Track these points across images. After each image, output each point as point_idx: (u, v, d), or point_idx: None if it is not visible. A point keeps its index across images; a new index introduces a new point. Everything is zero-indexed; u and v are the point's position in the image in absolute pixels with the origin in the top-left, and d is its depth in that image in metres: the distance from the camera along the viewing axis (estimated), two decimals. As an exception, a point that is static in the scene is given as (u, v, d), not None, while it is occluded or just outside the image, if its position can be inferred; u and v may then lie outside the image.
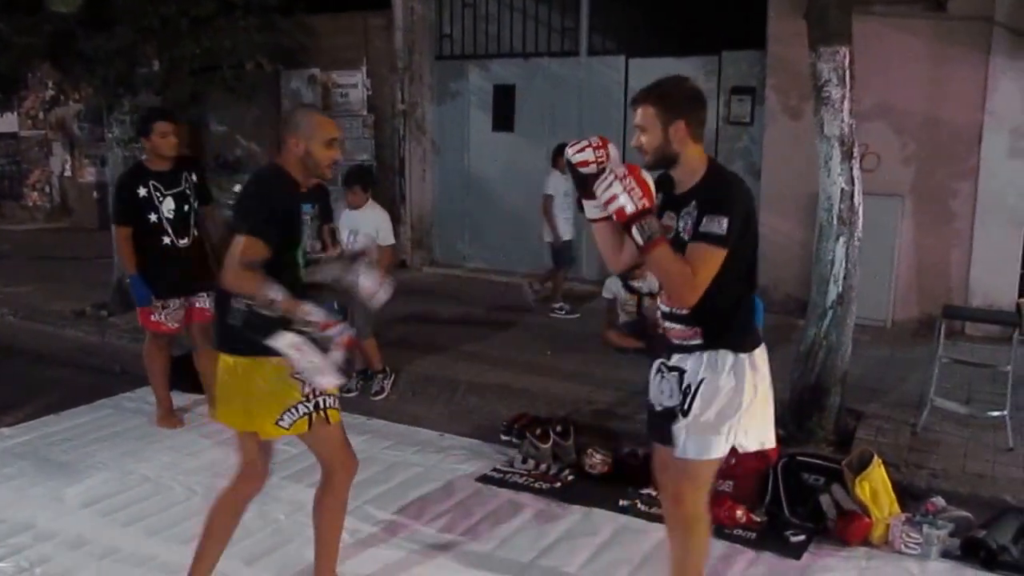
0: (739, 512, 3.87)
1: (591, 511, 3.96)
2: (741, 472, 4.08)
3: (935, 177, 6.70)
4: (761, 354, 2.71)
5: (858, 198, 4.61)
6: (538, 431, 4.57)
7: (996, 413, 4.55)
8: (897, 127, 6.71)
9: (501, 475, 4.34)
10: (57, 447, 4.66)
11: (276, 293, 2.68)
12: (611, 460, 4.39)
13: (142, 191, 4.76)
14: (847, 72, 4.53)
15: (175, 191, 4.83)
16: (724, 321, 2.65)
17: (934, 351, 4.82)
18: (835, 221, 4.62)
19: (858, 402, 4.97)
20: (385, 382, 5.74)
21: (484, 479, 4.30)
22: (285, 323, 2.69)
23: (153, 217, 4.77)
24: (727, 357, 2.65)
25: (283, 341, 2.68)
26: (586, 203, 2.71)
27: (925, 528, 3.63)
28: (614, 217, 2.49)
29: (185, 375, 5.44)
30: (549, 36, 8.78)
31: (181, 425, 5.06)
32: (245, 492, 3.10)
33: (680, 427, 2.68)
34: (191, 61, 7.55)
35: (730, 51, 7.83)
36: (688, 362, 2.70)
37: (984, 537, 3.55)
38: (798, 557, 3.60)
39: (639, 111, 2.63)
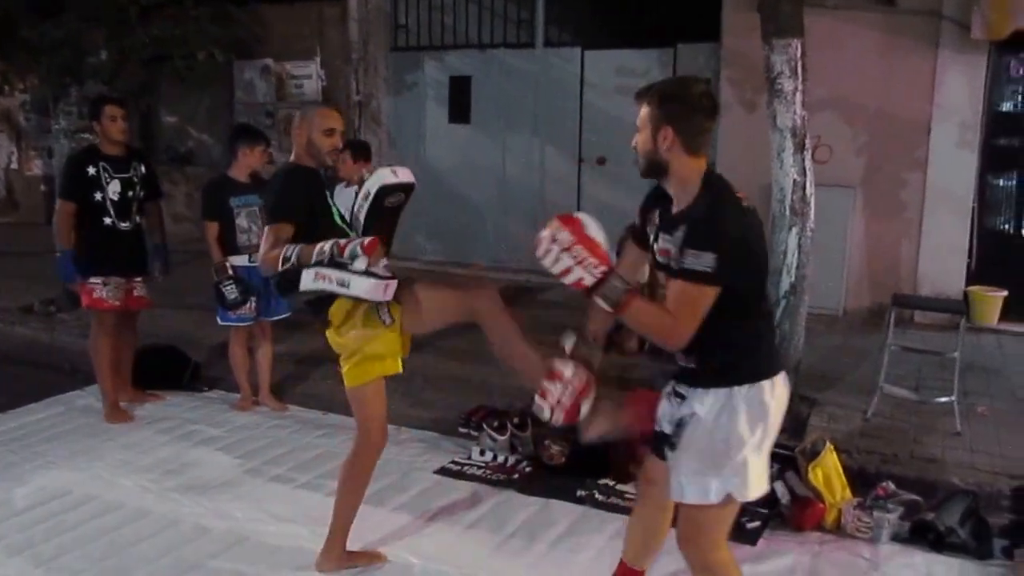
0: (695, 500, 3.91)
1: (549, 502, 3.97)
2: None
3: (886, 168, 6.82)
4: (769, 388, 2.41)
5: (810, 189, 4.67)
6: (495, 423, 4.57)
7: (944, 399, 4.64)
8: (849, 119, 6.81)
9: (459, 467, 4.34)
10: (5, 447, 4.55)
11: (289, 251, 2.97)
12: (568, 451, 4.40)
13: (91, 170, 4.80)
14: (799, 64, 4.59)
15: (123, 176, 4.88)
16: (720, 351, 2.39)
17: (884, 339, 4.91)
18: (788, 212, 4.69)
19: (811, 390, 5.05)
20: None
21: (442, 472, 4.29)
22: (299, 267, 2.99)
23: (98, 196, 4.81)
24: (719, 393, 2.40)
25: (305, 280, 2.96)
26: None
27: (876, 512, 3.71)
28: (574, 289, 2.24)
29: (143, 371, 5.39)
30: (505, 27, 8.77)
31: (130, 419, 5.00)
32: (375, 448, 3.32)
33: (671, 462, 2.51)
34: (141, 50, 7.41)
35: (685, 43, 7.88)
36: (688, 390, 2.49)
37: (933, 520, 3.63)
38: (754, 543, 3.65)
39: (640, 108, 2.41)
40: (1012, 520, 3.70)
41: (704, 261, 2.20)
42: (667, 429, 2.57)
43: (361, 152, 5.77)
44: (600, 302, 2.24)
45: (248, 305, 5.02)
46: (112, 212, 4.84)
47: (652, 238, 2.53)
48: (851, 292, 7.00)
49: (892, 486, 3.96)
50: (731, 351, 2.40)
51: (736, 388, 2.39)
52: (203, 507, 3.87)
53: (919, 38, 6.56)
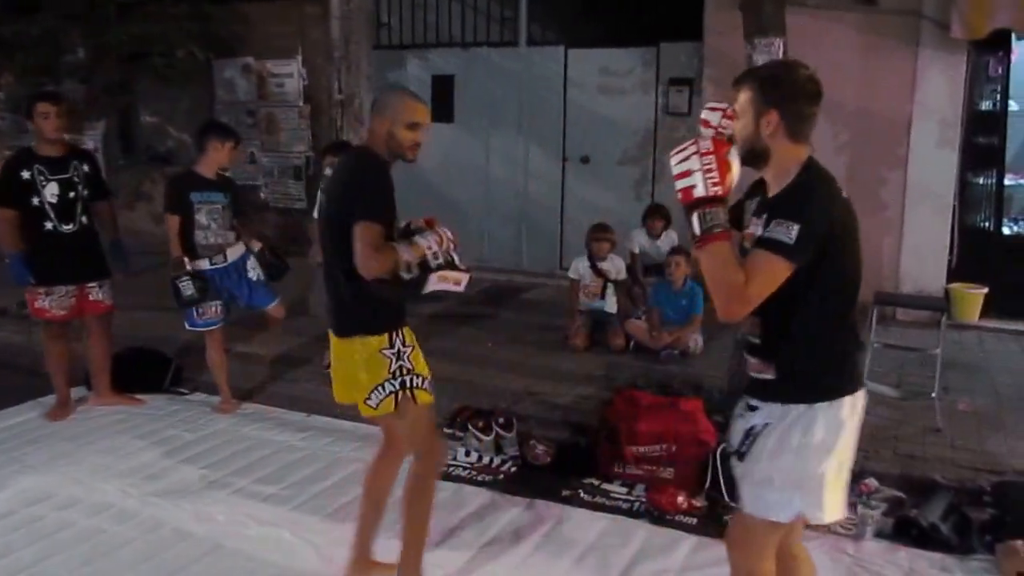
0: (680, 499, 3.92)
1: (534, 502, 3.97)
2: (682, 459, 4.14)
3: (867, 166, 6.85)
4: (849, 404, 2.26)
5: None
6: (480, 423, 4.56)
7: (926, 396, 4.67)
8: (830, 117, 6.81)
9: (444, 469, 4.32)
10: (-17, 451, 4.50)
11: (404, 253, 2.75)
12: (553, 450, 4.41)
13: (25, 174, 4.69)
14: (781, 63, 4.61)
15: (61, 177, 4.76)
16: (802, 358, 2.24)
17: (866, 336, 4.93)
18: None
19: (794, 388, 5.06)
20: None
21: (426, 472, 4.28)
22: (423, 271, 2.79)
23: (35, 200, 4.71)
24: (798, 408, 2.24)
25: (431, 284, 2.79)
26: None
27: (859, 508, 3.73)
28: (679, 196, 2.14)
29: (124, 374, 5.36)
30: (488, 26, 8.75)
31: (67, 417, 5.00)
32: (388, 467, 3.19)
33: (738, 473, 2.39)
34: (118, 48, 7.33)
35: (668, 42, 7.88)
36: (762, 403, 2.33)
37: (916, 516, 3.65)
38: (738, 542, 3.65)
39: (739, 93, 2.29)
40: (993, 515, 3.72)
41: (787, 231, 2.08)
42: (735, 442, 2.41)
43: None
44: (695, 221, 2.12)
45: (213, 308, 4.95)
46: (53, 215, 4.73)
47: (746, 225, 2.42)
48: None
49: (875, 483, 3.98)
50: (814, 361, 2.25)
51: (817, 403, 2.23)
52: (185, 511, 3.84)
53: (899, 37, 6.60)
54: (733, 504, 3.91)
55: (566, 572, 3.39)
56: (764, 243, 2.12)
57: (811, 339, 2.22)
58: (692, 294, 6.03)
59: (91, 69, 7.41)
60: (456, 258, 2.87)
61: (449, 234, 2.88)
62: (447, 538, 3.64)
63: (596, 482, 4.20)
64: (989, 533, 3.62)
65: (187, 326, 5.03)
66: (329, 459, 4.43)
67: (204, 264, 4.89)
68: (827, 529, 3.71)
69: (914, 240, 6.76)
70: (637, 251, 6.62)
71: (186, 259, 4.82)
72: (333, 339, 2.97)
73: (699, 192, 2.12)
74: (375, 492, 3.21)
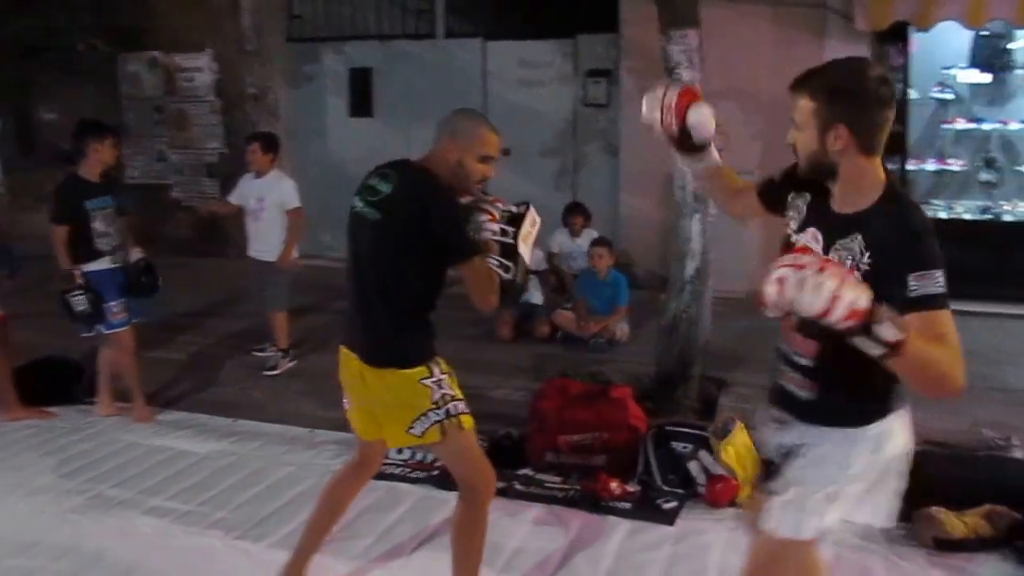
0: (614, 484, 3.98)
1: (470, 495, 3.97)
2: (613, 446, 4.20)
3: (780, 154, 6.93)
4: (890, 426, 2.12)
5: (712, 176, 4.78)
6: (412, 419, 4.53)
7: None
8: (744, 107, 6.98)
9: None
10: None
11: (491, 262, 2.68)
12: (486, 444, 4.39)
13: None
14: (696, 55, 4.69)
15: None
16: (850, 389, 2.06)
17: (788, 319, 5.06)
18: (690, 199, 4.79)
19: (719, 371, 5.18)
20: (282, 361, 5.65)
21: (360, 472, 4.23)
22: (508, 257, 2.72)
23: None
24: (834, 432, 2.11)
25: (524, 256, 2.74)
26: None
27: (787, 487, 3.83)
28: (847, 327, 1.71)
29: (31, 386, 5.14)
30: (404, 18, 8.67)
31: None
32: (356, 482, 3.07)
33: (771, 489, 2.20)
34: (15, 41, 7.01)
35: (585, 34, 7.95)
36: (797, 418, 2.19)
37: (839, 491, 3.77)
38: (672, 523, 3.73)
39: (797, 101, 2.03)
40: (908, 483, 3.87)
41: (936, 282, 1.84)
42: (773, 456, 2.26)
43: (272, 145, 5.73)
44: (884, 332, 1.70)
45: (122, 305, 4.81)
46: None
47: (795, 228, 2.17)
48: (755, 274, 7.20)
49: (800, 461, 4.10)
50: (865, 389, 2.06)
51: (858, 427, 2.09)
52: (108, 527, 3.70)
53: (806, 29, 6.79)
54: (665, 488, 4.01)
55: (506, 562, 3.40)
56: (925, 302, 1.84)
57: (865, 366, 1.86)
58: (616, 284, 6.12)
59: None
60: (511, 210, 2.77)
61: (487, 196, 2.77)
62: (384, 537, 3.60)
63: (530, 473, 4.22)
64: (906, 502, 3.77)
65: (103, 330, 4.84)
66: (259, 464, 4.34)
67: (105, 263, 4.75)
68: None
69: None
70: (556, 251, 6.68)
71: (76, 272, 4.65)
72: (356, 364, 2.75)
73: (864, 303, 1.69)
74: (333, 505, 3.07)
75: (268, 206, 5.62)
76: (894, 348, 1.72)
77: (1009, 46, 6.98)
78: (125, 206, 4.94)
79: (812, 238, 2.06)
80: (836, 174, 2.02)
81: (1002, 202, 7.04)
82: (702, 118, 2.41)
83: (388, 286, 2.67)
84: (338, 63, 8.98)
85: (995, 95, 7.19)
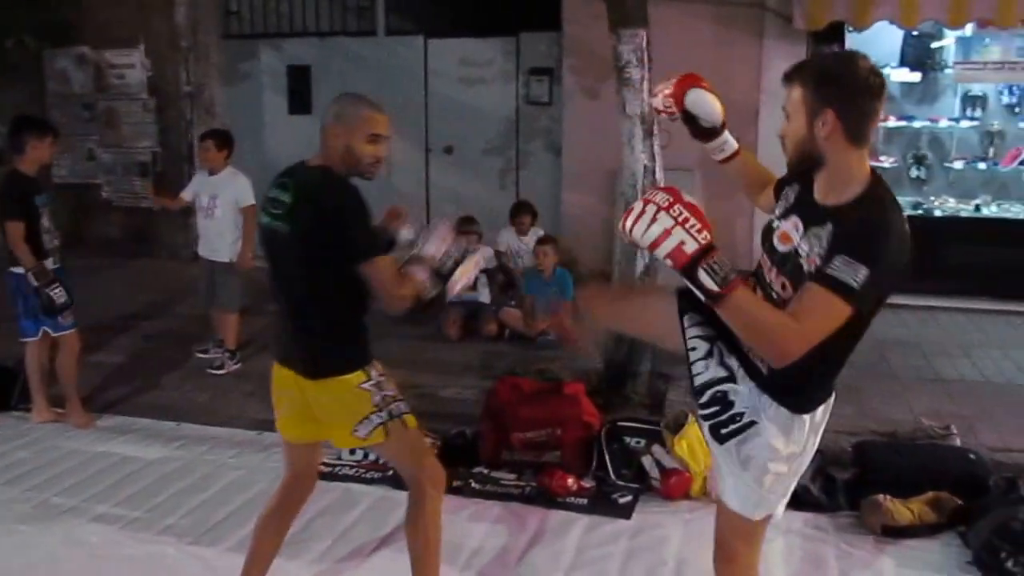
0: (570, 481, 4.00)
1: (426, 495, 3.94)
2: (568, 442, 4.22)
3: (720, 152, 7.14)
4: (821, 414, 2.17)
5: (660, 173, 4.84)
6: (364, 419, 4.48)
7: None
8: (685, 105, 7.09)
9: (330, 468, 4.21)
10: None
11: (418, 273, 2.60)
12: (439, 442, 4.38)
13: None
14: (645, 54, 4.74)
15: None
16: (800, 372, 1.96)
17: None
18: (639, 196, 4.82)
19: (667, 366, 5.23)
20: (229, 362, 5.57)
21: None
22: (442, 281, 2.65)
23: None
24: (781, 413, 2.12)
25: (454, 290, 2.69)
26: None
27: (739, 478, 3.90)
28: (668, 262, 1.80)
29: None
30: (344, 15, 8.57)
31: None
32: (295, 501, 2.96)
33: (722, 467, 2.24)
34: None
35: (528, 32, 7.97)
36: (750, 386, 2.15)
37: (788, 481, 3.85)
38: (628, 517, 3.77)
39: (789, 91, 2.05)
40: (854, 473, 3.99)
41: (854, 274, 1.82)
42: (706, 376, 2.20)
43: (227, 142, 5.63)
44: (704, 278, 1.78)
45: (71, 308, 4.72)
46: None
47: (779, 214, 2.19)
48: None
49: (750, 453, 4.18)
50: (813, 374, 2.08)
51: (798, 414, 2.12)
52: (54, 536, 3.58)
53: (746, 29, 6.93)
54: (620, 482, 4.04)
55: (466, 561, 3.39)
56: (826, 279, 1.85)
57: (813, 362, 1.92)
58: (562, 281, 6.15)
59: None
60: (459, 250, 2.70)
61: (443, 227, 2.70)
62: (342, 538, 3.56)
63: (485, 471, 4.22)
64: (852, 490, 3.88)
65: (52, 333, 4.72)
66: (207, 469, 4.25)
67: (51, 262, 4.65)
68: (709, 499, 3.88)
69: (765, 220, 7.10)
70: (503, 249, 6.68)
71: (44, 265, 4.56)
72: (291, 377, 2.67)
73: (691, 247, 1.78)
74: (271, 529, 2.92)
75: (222, 203, 5.53)
76: (711, 297, 1.80)
77: (935, 45, 7.21)
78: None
79: (792, 225, 2.08)
80: (822, 163, 2.02)
81: (932, 198, 7.27)
82: (699, 99, 2.48)
83: (311, 298, 2.60)
84: (276, 60, 8.83)
85: (925, 94, 7.43)
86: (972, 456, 3.90)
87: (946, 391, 4.92)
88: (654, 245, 1.79)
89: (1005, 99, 7.26)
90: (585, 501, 3.91)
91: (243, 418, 4.91)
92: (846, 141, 1.98)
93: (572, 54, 7.43)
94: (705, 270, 1.78)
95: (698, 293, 1.83)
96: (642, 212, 1.81)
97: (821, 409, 2.17)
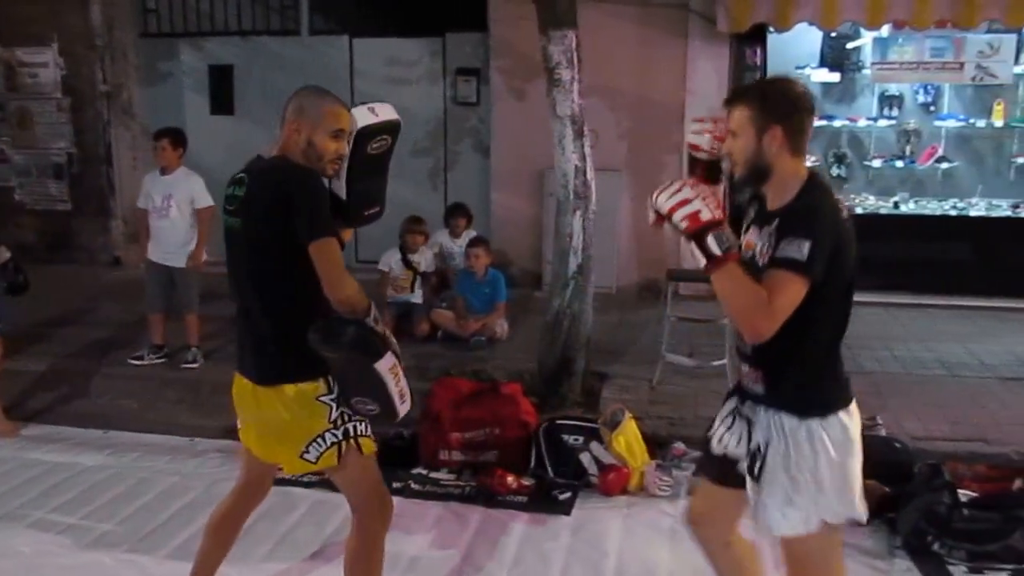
0: (510, 479, 4.03)
1: (366, 497, 3.92)
2: (506, 441, 4.25)
3: (646, 152, 7.28)
4: (842, 420, 2.25)
5: (590, 173, 4.90)
6: (299, 424, 4.42)
7: (717, 362, 5.06)
8: (612, 106, 7.19)
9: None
10: None
11: (373, 307, 2.45)
12: (377, 444, 4.35)
13: None
14: (575, 55, 4.78)
15: None
16: (790, 371, 2.23)
17: (662, 311, 5.27)
18: (571, 196, 4.88)
19: (601, 364, 5.32)
20: (199, 354, 5.56)
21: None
22: (381, 337, 2.39)
23: None
24: (791, 422, 2.23)
25: (385, 363, 2.36)
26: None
27: (674, 471, 4.02)
28: (684, 226, 2.09)
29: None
30: (267, 14, 8.42)
31: None
32: (247, 506, 2.85)
33: (753, 495, 2.29)
34: None
35: (454, 32, 7.96)
36: (758, 415, 2.31)
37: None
38: (568, 513, 3.83)
39: (733, 112, 2.26)
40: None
41: (799, 249, 2.07)
42: (736, 451, 2.37)
43: (181, 141, 5.58)
44: (712, 244, 2.08)
45: None
46: None
47: (745, 228, 2.39)
48: (622, 270, 7.43)
49: (683, 446, 4.29)
50: (804, 372, 2.24)
51: (809, 419, 2.22)
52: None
53: (671, 30, 7.06)
54: (559, 480, 4.09)
55: (410, 561, 3.40)
56: (778, 262, 2.10)
57: (803, 349, 2.20)
58: (495, 282, 6.17)
59: None
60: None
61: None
62: (282, 542, 3.53)
63: (424, 472, 4.22)
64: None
65: None
66: (139, 476, 4.16)
67: None
68: (647, 493, 3.96)
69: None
70: (437, 251, 6.66)
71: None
72: (248, 386, 2.56)
73: (706, 216, 2.09)
74: (223, 531, 2.84)
75: (176, 203, 5.44)
76: (712, 260, 2.09)
77: (852, 46, 7.47)
78: None
79: (754, 233, 2.31)
80: (770, 173, 2.25)
81: (853, 196, 7.51)
82: None
83: (267, 295, 2.49)
84: (197, 60, 8.63)
85: (844, 93, 7.71)
86: (897, 445, 4.06)
87: (871, 383, 5.11)
88: (673, 209, 2.11)
89: (920, 98, 7.56)
90: (525, 499, 3.95)
91: (174, 425, 4.82)
92: (790, 153, 2.23)
93: (499, 54, 7.46)
94: (715, 236, 2.08)
95: (700, 258, 2.11)
96: (671, 186, 2.14)
97: (838, 418, 2.24)
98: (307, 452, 2.48)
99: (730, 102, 2.30)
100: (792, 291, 2.08)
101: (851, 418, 2.27)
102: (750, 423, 2.33)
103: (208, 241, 5.58)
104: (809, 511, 2.22)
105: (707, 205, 2.09)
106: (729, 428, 2.41)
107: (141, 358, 5.58)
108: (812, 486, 2.20)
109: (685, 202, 2.10)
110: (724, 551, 2.54)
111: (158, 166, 5.61)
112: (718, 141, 2.44)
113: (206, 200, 5.49)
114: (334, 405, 2.49)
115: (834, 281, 2.16)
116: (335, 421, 2.49)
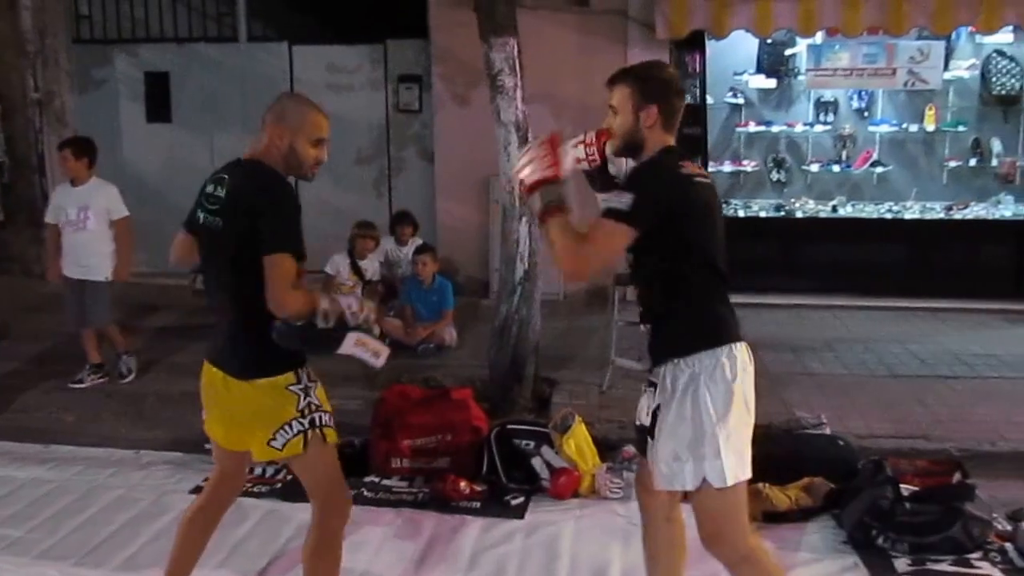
0: (462, 484, 4.02)
1: (317, 507, 3.88)
2: (458, 447, 4.24)
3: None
4: (726, 361, 2.37)
5: (535, 180, 4.92)
6: (247, 435, 4.36)
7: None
8: (554, 112, 7.21)
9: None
10: None
11: (323, 301, 2.50)
12: (328, 453, 4.32)
13: None
14: (516, 62, 4.82)
15: None
16: (667, 323, 2.44)
17: (610, 316, 5.31)
18: (517, 203, 4.90)
19: (550, 370, 5.35)
20: (132, 362, 5.48)
21: (198, 491, 4.01)
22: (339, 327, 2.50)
23: None
24: (671, 367, 2.38)
25: (347, 345, 2.51)
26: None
27: (625, 473, 4.06)
28: (521, 186, 2.45)
29: None
30: (204, 20, 8.31)
31: None
32: (221, 500, 2.85)
33: (651, 454, 2.43)
34: None
35: (395, 39, 7.96)
36: (658, 377, 2.44)
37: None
38: (521, 517, 3.83)
39: (614, 91, 2.49)
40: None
41: (623, 200, 2.29)
42: (646, 421, 2.48)
43: (86, 150, 5.33)
44: (535, 201, 2.38)
45: None
46: None
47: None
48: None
49: (633, 449, 4.31)
50: (679, 322, 2.41)
51: (684, 360, 2.36)
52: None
53: (610, 37, 7.15)
54: (511, 484, 4.10)
55: (366, 567, 3.37)
56: (603, 212, 2.34)
57: (677, 307, 2.41)
58: (442, 290, 6.17)
59: None
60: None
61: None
62: (235, 552, 3.47)
63: (376, 479, 4.20)
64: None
65: None
66: (82, 489, 4.04)
67: None
68: (598, 496, 4.00)
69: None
70: (383, 259, 6.64)
71: None
72: (219, 375, 2.61)
73: (532, 178, 2.38)
74: (196, 526, 2.84)
75: (94, 215, 5.25)
76: (542, 212, 2.37)
77: (788, 52, 7.66)
78: None
79: (615, 195, 2.44)
80: (643, 147, 2.46)
81: (792, 200, 7.70)
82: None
83: (242, 293, 2.52)
84: (132, 67, 8.47)
85: (780, 99, 7.90)
86: (841, 443, 4.16)
87: (815, 384, 5.24)
88: (517, 172, 2.44)
89: (855, 104, 7.79)
90: (478, 504, 3.94)
91: (116, 438, 4.70)
92: (663, 130, 2.45)
93: (440, 61, 7.47)
94: (540, 194, 2.38)
95: (534, 213, 2.43)
96: (527, 150, 2.43)
97: (723, 360, 2.36)
98: (274, 440, 2.55)
99: (612, 82, 2.51)
100: (613, 235, 2.29)
101: (732, 364, 2.37)
102: (654, 387, 2.46)
103: (132, 252, 5.46)
104: (695, 466, 2.33)
105: (540, 164, 2.37)
106: (642, 399, 2.55)
107: (81, 381, 5.39)
108: (695, 440, 2.33)
109: (522, 168, 2.41)
110: (664, 526, 2.66)
111: (67, 177, 5.41)
112: (590, 147, 2.53)
113: (122, 211, 5.35)
114: (302, 395, 2.56)
115: (682, 238, 2.36)
116: (302, 410, 2.56)
